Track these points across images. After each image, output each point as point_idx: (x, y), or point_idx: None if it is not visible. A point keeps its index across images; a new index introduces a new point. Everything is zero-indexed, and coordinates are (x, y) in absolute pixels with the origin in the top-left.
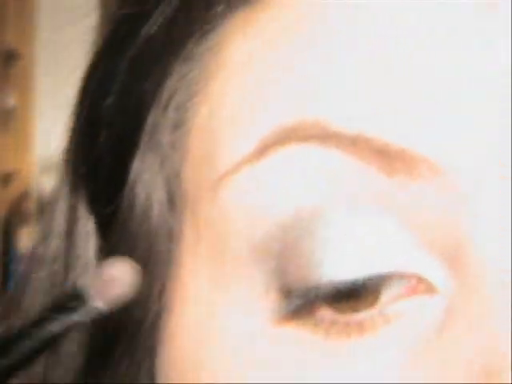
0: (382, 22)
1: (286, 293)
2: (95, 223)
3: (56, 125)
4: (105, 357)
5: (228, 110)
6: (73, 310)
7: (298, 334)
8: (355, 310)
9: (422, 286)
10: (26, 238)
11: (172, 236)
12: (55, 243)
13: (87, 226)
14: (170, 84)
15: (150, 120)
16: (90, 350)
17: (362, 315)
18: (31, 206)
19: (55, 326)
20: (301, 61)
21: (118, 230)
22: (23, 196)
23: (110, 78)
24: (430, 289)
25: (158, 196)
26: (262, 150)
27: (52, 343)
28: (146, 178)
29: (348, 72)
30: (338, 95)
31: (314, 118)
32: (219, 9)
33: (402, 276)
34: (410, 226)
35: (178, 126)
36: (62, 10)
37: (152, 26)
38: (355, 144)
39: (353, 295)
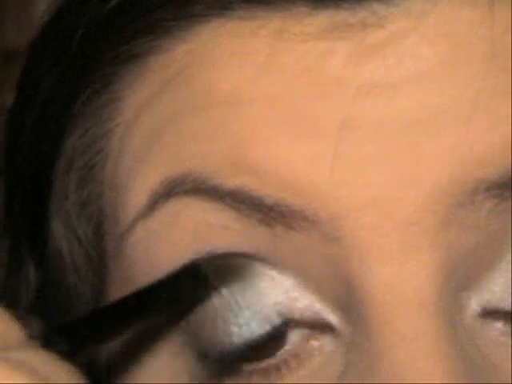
0: (268, 77)
1: (203, 357)
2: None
3: None
4: None
5: (124, 167)
6: (188, 286)
7: None
8: (267, 355)
9: (325, 329)
10: None
11: (90, 294)
12: None
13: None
14: (70, 144)
15: (55, 182)
16: None
17: (275, 360)
18: None
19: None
20: (182, 114)
21: (43, 283)
22: None
23: (17, 141)
24: (331, 331)
25: (68, 258)
26: (152, 205)
27: (160, 313)
28: (56, 240)
29: (226, 127)
30: (217, 149)
31: (192, 171)
32: (106, 68)
33: (302, 322)
34: (300, 274)
35: (84, 186)
36: None
37: (46, 90)
38: (234, 197)
39: (260, 345)
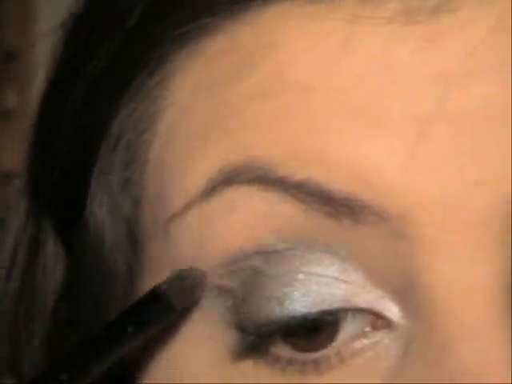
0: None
1: (241, 329)
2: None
3: None
4: None
5: (177, 149)
6: (152, 310)
7: (256, 371)
8: (312, 348)
9: (380, 321)
10: None
11: (127, 274)
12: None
13: (54, 252)
14: (119, 122)
15: (100, 159)
16: None
17: (319, 354)
18: None
19: (134, 326)
20: (248, 100)
21: (74, 266)
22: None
23: (59, 116)
24: (387, 324)
25: (110, 235)
26: (209, 191)
27: (129, 342)
28: (97, 216)
29: (297, 116)
30: (286, 138)
31: (258, 160)
32: (164, 48)
33: (357, 310)
34: (362, 266)
35: (129, 164)
36: (62, 10)
37: (97, 65)
38: (301, 190)
39: (310, 332)
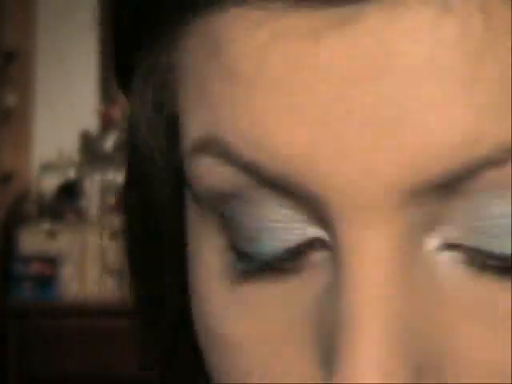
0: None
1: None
2: None
3: (55, 125)
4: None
5: (187, 98)
6: None
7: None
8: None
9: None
10: (26, 238)
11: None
12: None
13: None
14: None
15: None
16: None
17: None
18: (31, 205)
19: None
20: (214, 83)
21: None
22: (23, 196)
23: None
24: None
25: None
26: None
27: None
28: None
29: (247, 106)
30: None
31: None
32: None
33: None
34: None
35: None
36: (62, 10)
37: None
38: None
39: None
